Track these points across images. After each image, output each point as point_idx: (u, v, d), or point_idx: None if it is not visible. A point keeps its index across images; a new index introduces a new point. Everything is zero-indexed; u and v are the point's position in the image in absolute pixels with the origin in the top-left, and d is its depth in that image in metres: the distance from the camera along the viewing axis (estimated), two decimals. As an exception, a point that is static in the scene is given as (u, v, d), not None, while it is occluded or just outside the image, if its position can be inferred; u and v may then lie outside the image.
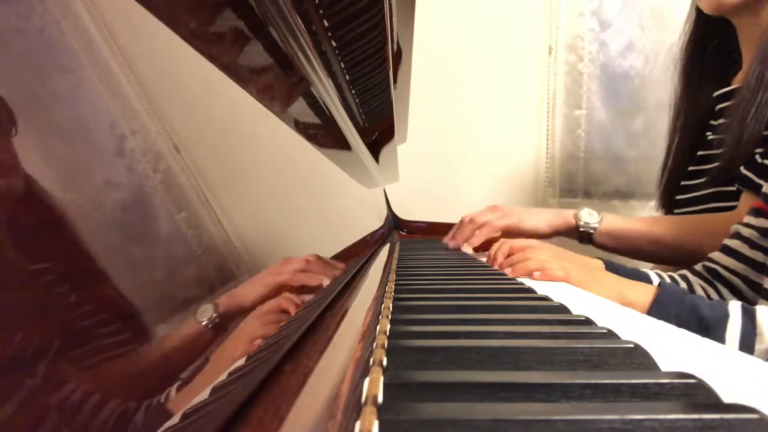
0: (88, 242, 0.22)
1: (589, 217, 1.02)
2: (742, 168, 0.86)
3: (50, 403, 0.17)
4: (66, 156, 0.23)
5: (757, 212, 0.74)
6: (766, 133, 0.81)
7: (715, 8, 0.93)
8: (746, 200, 0.90)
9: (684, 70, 1.11)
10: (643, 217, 1.07)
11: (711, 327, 0.58)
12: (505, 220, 1.05)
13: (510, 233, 1.04)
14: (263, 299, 0.38)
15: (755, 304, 0.66)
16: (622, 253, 1.03)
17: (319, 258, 0.53)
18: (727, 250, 0.78)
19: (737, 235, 0.77)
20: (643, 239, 0.99)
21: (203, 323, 0.30)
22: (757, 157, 0.82)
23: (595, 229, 1.01)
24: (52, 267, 0.20)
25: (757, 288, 0.72)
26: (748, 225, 0.75)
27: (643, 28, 1.65)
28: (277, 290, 0.41)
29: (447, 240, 1.13)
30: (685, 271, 0.85)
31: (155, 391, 0.23)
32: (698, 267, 0.83)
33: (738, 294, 0.76)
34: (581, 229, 1.02)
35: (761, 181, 0.83)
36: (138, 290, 0.25)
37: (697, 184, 1.05)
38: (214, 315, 0.30)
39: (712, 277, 0.80)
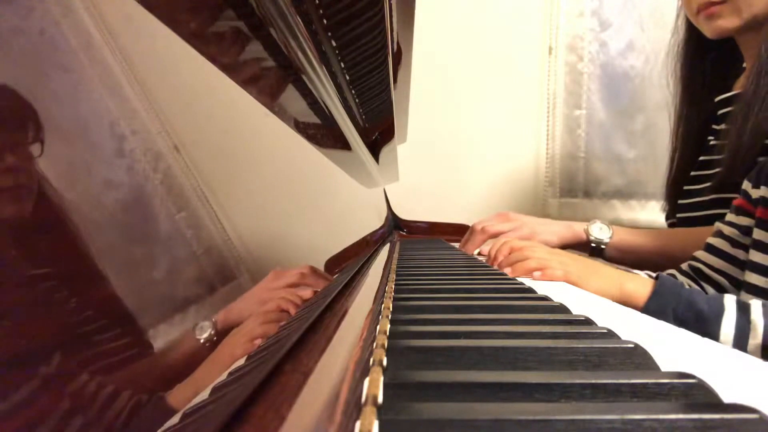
0: (88, 242, 0.22)
1: (600, 232, 1.02)
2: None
3: (51, 403, 0.17)
4: (66, 156, 0.22)
5: (738, 210, 0.74)
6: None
7: (715, 35, 0.94)
8: None
9: (684, 76, 1.11)
10: (652, 230, 1.07)
11: (707, 321, 0.58)
12: (518, 233, 1.05)
13: None
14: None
15: None
16: (630, 265, 1.03)
17: (312, 269, 0.53)
18: (711, 249, 0.79)
19: (719, 234, 0.77)
20: (653, 253, 1.00)
21: (201, 341, 0.30)
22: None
23: (606, 244, 1.02)
24: (53, 267, 0.20)
25: (740, 286, 0.72)
26: (730, 223, 0.75)
27: (643, 28, 1.65)
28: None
29: (460, 248, 1.14)
30: (672, 271, 0.85)
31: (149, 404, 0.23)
32: (684, 266, 0.84)
33: (722, 292, 0.76)
34: (592, 245, 1.03)
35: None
36: (138, 290, 0.25)
37: (700, 189, 1.04)
38: (212, 333, 0.30)
39: (697, 275, 0.80)
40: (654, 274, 0.83)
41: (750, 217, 0.70)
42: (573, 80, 1.70)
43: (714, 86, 1.05)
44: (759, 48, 0.84)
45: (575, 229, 1.06)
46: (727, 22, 0.90)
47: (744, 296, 0.69)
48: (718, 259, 0.77)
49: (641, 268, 0.92)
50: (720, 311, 0.59)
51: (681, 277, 0.82)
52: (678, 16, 1.10)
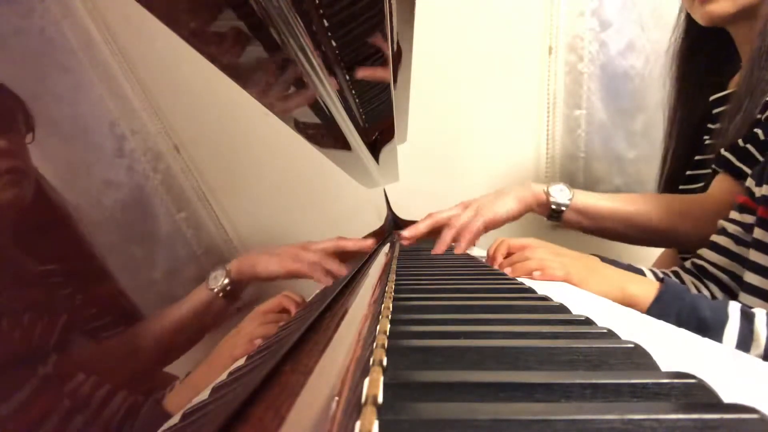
0: (87, 242, 0.22)
1: (560, 193, 0.98)
2: (722, 150, 0.86)
3: (59, 395, 0.17)
4: (66, 156, 0.22)
5: (741, 207, 0.74)
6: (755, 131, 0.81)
7: (708, 20, 0.93)
8: (719, 182, 0.90)
9: (679, 75, 1.11)
10: (615, 194, 1.02)
11: (709, 328, 0.58)
12: (481, 219, 0.98)
13: (489, 228, 0.99)
14: (276, 278, 0.37)
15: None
16: (591, 232, 0.99)
17: (340, 248, 0.51)
18: (714, 247, 0.78)
19: (723, 232, 0.77)
20: (615, 217, 0.96)
21: (215, 290, 0.29)
22: (739, 141, 0.82)
23: (567, 206, 0.97)
24: (55, 267, 0.20)
25: (743, 284, 0.72)
26: (733, 221, 0.75)
27: (643, 28, 1.65)
28: (292, 276, 0.40)
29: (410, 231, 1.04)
30: (676, 269, 0.85)
31: (165, 363, 0.22)
32: (688, 264, 0.83)
33: (726, 290, 0.76)
34: (552, 207, 0.98)
35: (740, 165, 0.84)
36: (138, 290, 0.25)
37: (695, 189, 1.04)
38: (226, 282, 0.29)
39: (701, 274, 0.80)
40: (660, 273, 0.84)
41: (754, 215, 0.70)
42: (573, 80, 1.70)
43: (709, 84, 1.05)
44: (753, 43, 0.84)
45: (534, 190, 0.99)
46: (719, 7, 0.90)
47: (743, 296, 0.69)
48: (722, 257, 0.76)
49: (602, 235, 0.90)
50: (723, 320, 0.58)
51: (684, 275, 0.82)
52: (680, 12, 1.10)
